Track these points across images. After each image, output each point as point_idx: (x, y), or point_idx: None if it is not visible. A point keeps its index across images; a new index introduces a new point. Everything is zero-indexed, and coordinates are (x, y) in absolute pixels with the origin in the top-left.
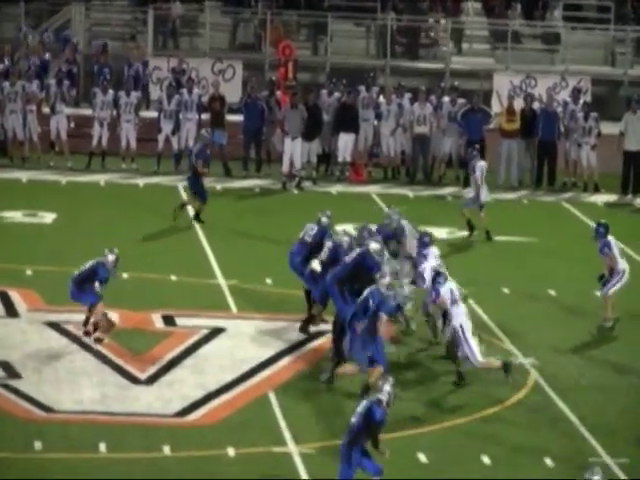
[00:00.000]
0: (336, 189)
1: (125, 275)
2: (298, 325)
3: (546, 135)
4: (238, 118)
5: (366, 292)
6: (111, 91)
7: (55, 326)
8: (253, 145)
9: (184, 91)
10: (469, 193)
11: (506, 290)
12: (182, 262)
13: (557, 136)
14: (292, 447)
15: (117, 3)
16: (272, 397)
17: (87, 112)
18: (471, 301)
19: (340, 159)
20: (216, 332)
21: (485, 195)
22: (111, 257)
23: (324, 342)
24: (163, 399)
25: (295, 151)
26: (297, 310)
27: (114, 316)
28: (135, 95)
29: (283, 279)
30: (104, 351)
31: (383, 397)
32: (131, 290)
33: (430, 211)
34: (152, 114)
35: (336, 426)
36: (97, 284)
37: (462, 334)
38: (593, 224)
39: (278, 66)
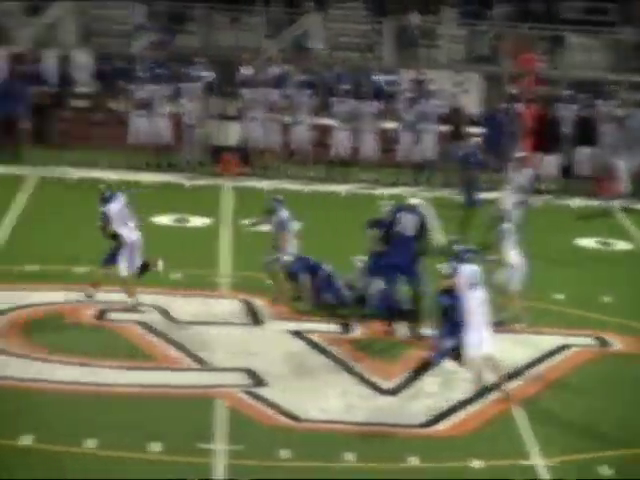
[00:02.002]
0: (575, 203)
1: None
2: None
3: None
4: (478, 130)
5: None
6: (351, 101)
7: (299, 334)
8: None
9: (423, 102)
10: None
11: None
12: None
13: None
14: (537, 460)
15: (355, 13)
16: (517, 410)
17: (327, 122)
18: None
19: (579, 172)
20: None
21: None
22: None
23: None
24: (408, 410)
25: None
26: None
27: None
28: (375, 105)
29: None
30: (349, 361)
31: None
32: None
33: None
34: (392, 125)
35: (582, 440)
36: None
37: (469, 321)
38: None
39: (517, 78)
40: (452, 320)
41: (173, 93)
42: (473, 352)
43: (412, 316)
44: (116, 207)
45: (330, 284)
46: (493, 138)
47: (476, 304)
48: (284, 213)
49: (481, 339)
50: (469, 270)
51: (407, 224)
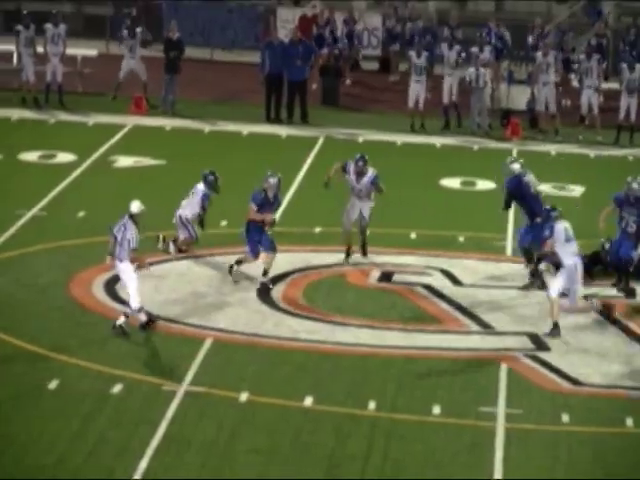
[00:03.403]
0: None
1: None
2: None
3: None
4: None
5: None
6: (638, 65)
7: (584, 299)
8: None
9: None
10: None
11: None
12: None
13: None
14: None
15: None
16: None
17: (616, 86)
18: None
19: None
20: None
21: None
22: None
23: None
24: None
25: None
26: None
27: None
28: None
29: None
30: (632, 326)
31: None
32: None
33: None
34: None
35: None
36: None
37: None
38: None
39: None
40: None
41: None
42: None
43: None
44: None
45: None
46: None
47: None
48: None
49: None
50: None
51: None
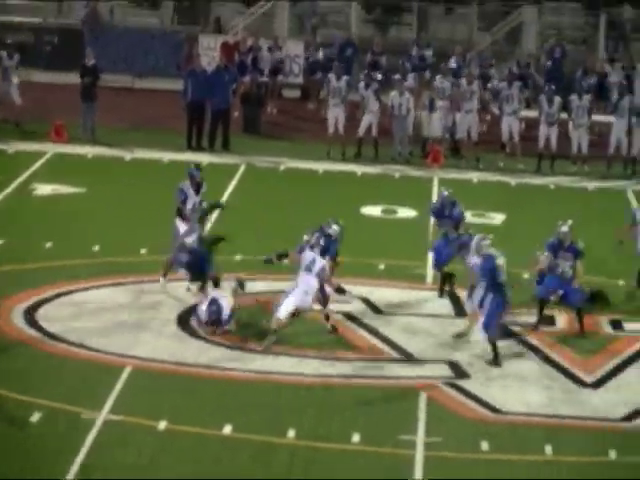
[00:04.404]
0: None
1: None
2: None
3: None
4: None
5: None
6: (558, 97)
7: (502, 328)
8: None
9: (637, 94)
10: None
11: None
12: (631, 267)
13: None
14: None
15: (569, 6)
16: None
17: (536, 114)
18: None
19: None
20: None
21: None
22: None
23: None
24: (610, 403)
25: None
26: None
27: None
28: (587, 98)
29: None
30: (551, 354)
31: None
32: None
33: None
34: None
35: None
36: None
37: None
38: None
39: None
40: None
41: (383, 84)
42: None
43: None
44: None
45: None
46: None
47: None
48: None
49: None
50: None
51: None
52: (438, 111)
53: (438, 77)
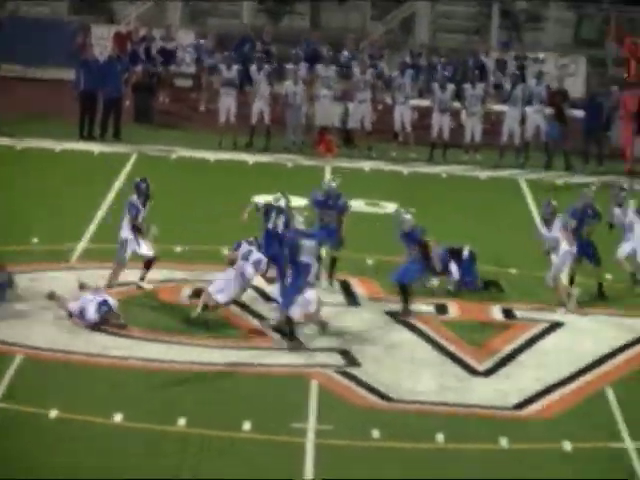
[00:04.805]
0: None
1: None
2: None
3: None
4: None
5: None
6: (451, 86)
7: (394, 315)
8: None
9: (530, 83)
10: None
11: None
12: (523, 255)
13: None
14: (629, 443)
15: None
16: (609, 392)
17: (428, 103)
18: None
19: None
20: (555, 326)
21: None
22: None
23: None
24: (500, 391)
25: None
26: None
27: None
28: (480, 87)
29: None
30: (443, 342)
31: None
32: None
33: None
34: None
35: None
36: None
37: None
38: None
39: (622, 63)
40: None
41: (277, 74)
42: None
43: None
44: None
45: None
46: (593, 122)
47: None
48: None
49: None
50: None
51: None
52: (322, 99)
53: (319, 66)
